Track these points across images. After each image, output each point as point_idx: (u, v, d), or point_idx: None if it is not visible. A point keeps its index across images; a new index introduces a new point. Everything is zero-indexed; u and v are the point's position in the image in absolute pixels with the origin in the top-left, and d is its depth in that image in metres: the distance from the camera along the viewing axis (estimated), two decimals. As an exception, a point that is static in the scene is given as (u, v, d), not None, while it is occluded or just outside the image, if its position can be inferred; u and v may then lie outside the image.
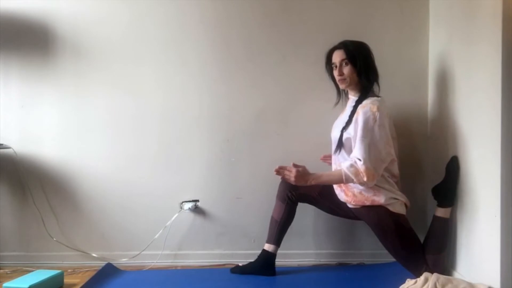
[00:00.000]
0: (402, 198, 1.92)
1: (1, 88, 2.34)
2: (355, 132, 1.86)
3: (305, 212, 2.21)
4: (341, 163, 1.90)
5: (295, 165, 1.88)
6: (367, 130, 1.81)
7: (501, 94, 1.55)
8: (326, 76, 2.22)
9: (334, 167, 2.02)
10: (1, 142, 2.29)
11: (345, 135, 1.91)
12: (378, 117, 1.81)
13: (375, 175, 1.80)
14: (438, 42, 2.20)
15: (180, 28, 2.33)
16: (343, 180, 1.83)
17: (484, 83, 1.68)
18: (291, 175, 1.86)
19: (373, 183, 1.83)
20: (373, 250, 2.28)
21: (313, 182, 1.88)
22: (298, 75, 2.32)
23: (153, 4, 2.33)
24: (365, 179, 1.78)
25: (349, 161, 1.84)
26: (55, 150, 2.34)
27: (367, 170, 1.78)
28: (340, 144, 1.93)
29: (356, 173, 1.79)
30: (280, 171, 1.89)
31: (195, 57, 2.33)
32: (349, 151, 1.90)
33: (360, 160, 1.79)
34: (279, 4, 2.31)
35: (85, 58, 2.33)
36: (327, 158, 2.15)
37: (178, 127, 2.34)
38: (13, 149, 2.30)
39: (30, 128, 2.34)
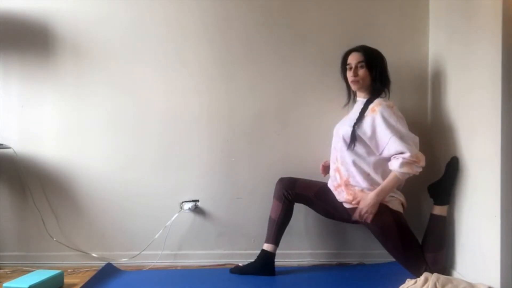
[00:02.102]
0: (400, 197, 1.94)
1: (1, 88, 2.35)
2: (372, 131, 1.88)
3: (305, 212, 2.21)
4: (386, 164, 1.90)
5: (354, 212, 1.90)
6: (393, 127, 1.84)
7: (501, 93, 1.55)
8: (325, 76, 2.24)
9: (333, 154, 2.03)
10: (1, 142, 2.29)
11: (358, 132, 1.91)
12: (395, 111, 1.88)
13: (423, 157, 1.83)
14: (438, 42, 2.20)
15: (180, 28, 2.33)
16: (400, 178, 1.84)
17: (484, 83, 1.68)
18: (366, 212, 1.86)
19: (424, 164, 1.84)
20: (372, 250, 2.28)
21: (380, 198, 1.86)
22: (298, 76, 2.32)
23: (153, 4, 2.33)
24: (421, 163, 1.82)
25: (395, 161, 1.83)
26: (55, 150, 2.34)
27: (416, 155, 1.81)
28: (354, 139, 1.91)
29: (410, 166, 1.81)
30: (359, 217, 1.88)
31: (195, 57, 2.33)
32: (363, 148, 1.91)
33: (403, 152, 1.81)
34: (279, 4, 2.31)
35: (85, 58, 2.34)
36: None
37: (178, 127, 2.34)
38: (13, 149, 2.30)
39: (30, 128, 2.34)
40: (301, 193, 2.07)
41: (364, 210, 1.86)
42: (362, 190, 1.89)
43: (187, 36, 2.33)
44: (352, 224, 2.07)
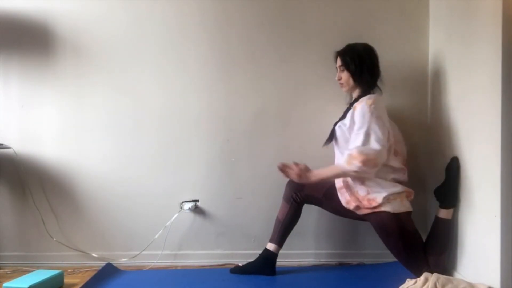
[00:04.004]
0: (399, 188, 1.89)
1: (1, 88, 2.34)
2: (350, 124, 1.90)
3: (305, 212, 2.20)
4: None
5: (296, 164, 1.92)
6: (364, 121, 1.84)
7: (501, 94, 1.55)
8: (325, 76, 2.26)
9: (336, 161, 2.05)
10: (1, 142, 2.29)
11: (338, 125, 1.98)
12: (373, 108, 1.85)
13: (370, 160, 1.78)
14: (438, 42, 2.20)
15: (179, 28, 2.33)
16: (341, 172, 1.86)
17: (484, 83, 1.68)
18: (293, 173, 1.90)
19: (372, 170, 1.81)
20: (373, 250, 2.28)
21: (314, 179, 1.90)
22: (298, 76, 2.32)
23: (152, 5, 2.33)
24: (358, 164, 1.77)
25: (345, 153, 1.86)
26: (55, 150, 2.34)
27: (360, 154, 1.77)
28: (332, 136, 2.00)
29: (349, 160, 1.80)
30: (283, 168, 1.92)
31: (195, 57, 2.33)
32: (344, 141, 1.94)
33: (355, 148, 1.81)
34: (279, 5, 2.31)
35: (85, 58, 2.33)
36: None
37: (178, 127, 2.34)
38: (13, 149, 2.30)
39: (30, 128, 2.34)
40: (310, 194, 2.07)
41: (289, 175, 1.91)
42: (357, 192, 1.90)
43: (186, 36, 2.33)
44: (358, 221, 2.06)
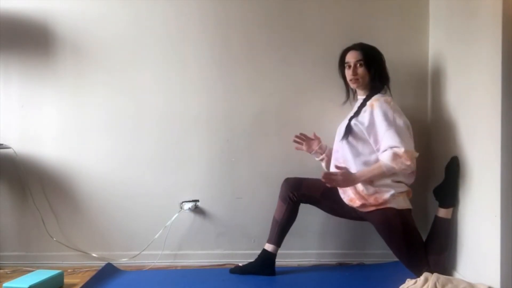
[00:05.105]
0: (403, 189, 1.90)
1: (1, 88, 2.35)
2: (370, 122, 1.88)
3: (306, 212, 2.21)
4: (378, 155, 1.89)
5: (337, 167, 1.88)
6: (390, 121, 1.84)
7: (501, 93, 1.55)
8: (325, 76, 2.25)
9: (335, 155, 2.02)
10: (1, 142, 2.29)
11: (353, 122, 1.93)
12: (393, 105, 1.88)
13: (414, 157, 1.82)
14: (438, 42, 2.20)
15: (179, 28, 2.33)
16: (385, 171, 1.83)
17: (484, 82, 1.68)
18: (339, 179, 1.85)
19: (414, 167, 1.84)
20: (373, 250, 2.28)
21: (358, 181, 1.87)
22: (298, 76, 2.32)
23: (152, 5, 2.33)
24: (408, 162, 1.79)
25: (386, 152, 1.83)
26: (55, 150, 2.34)
27: (406, 152, 1.79)
28: (349, 131, 1.93)
29: (396, 158, 1.79)
30: (327, 177, 1.85)
31: (195, 57, 2.33)
32: (360, 139, 1.92)
33: (396, 146, 1.81)
34: (279, 5, 2.31)
35: (85, 58, 2.34)
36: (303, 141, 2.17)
37: (178, 127, 2.34)
38: (13, 149, 2.30)
39: (30, 128, 2.34)
40: (307, 194, 2.06)
41: (336, 183, 1.85)
42: (362, 191, 1.89)
43: (186, 36, 2.33)
44: (358, 221, 2.06)
